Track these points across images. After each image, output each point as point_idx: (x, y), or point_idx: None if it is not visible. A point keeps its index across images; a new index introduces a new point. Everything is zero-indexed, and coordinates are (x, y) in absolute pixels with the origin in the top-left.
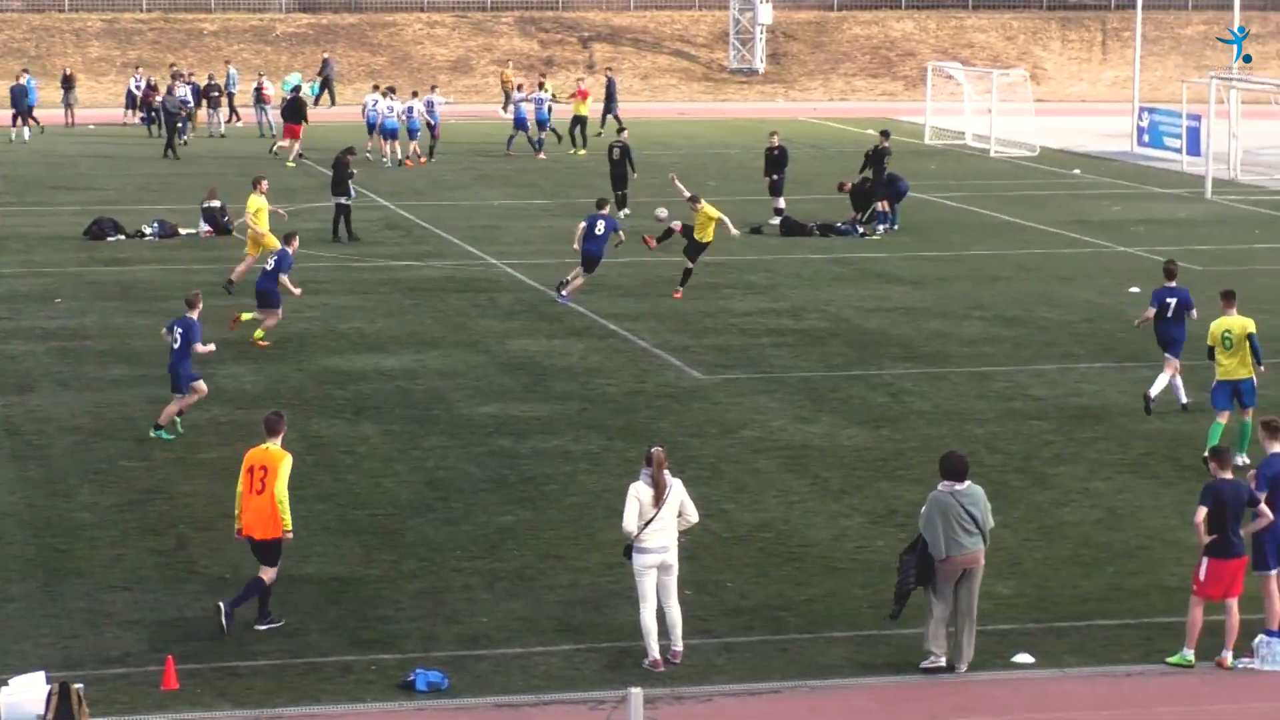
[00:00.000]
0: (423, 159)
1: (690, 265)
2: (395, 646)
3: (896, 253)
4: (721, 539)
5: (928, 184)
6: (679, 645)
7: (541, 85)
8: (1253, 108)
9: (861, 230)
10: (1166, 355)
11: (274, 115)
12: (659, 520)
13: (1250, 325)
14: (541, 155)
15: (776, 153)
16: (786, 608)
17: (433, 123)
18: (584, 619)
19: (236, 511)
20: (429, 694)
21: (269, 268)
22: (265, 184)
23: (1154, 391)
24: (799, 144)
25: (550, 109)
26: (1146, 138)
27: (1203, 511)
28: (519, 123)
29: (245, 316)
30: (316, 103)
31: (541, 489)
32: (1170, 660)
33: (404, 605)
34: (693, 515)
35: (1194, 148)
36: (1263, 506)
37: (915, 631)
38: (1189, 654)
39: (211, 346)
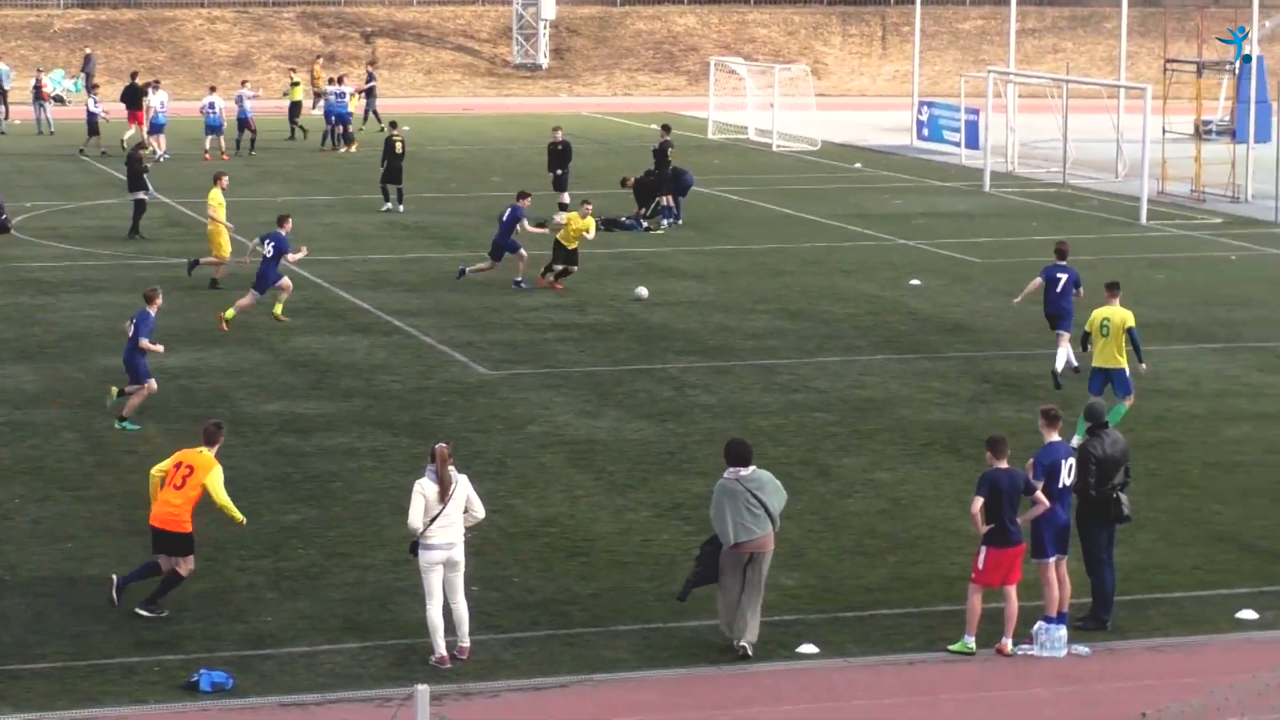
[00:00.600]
0: (224, 154)
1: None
2: (179, 647)
3: (681, 247)
4: (508, 534)
5: (711, 178)
6: (466, 641)
7: (340, 80)
8: (1029, 101)
9: (646, 225)
10: (1058, 331)
11: (53, 112)
12: (445, 516)
13: (1130, 319)
14: (347, 149)
15: (560, 148)
16: (573, 602)
17: (245, 118)
18: (370, 617)
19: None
20: (213, 694)
21: (269, 254)
22: (225, 180)
23: (1059, 366)
24: (583, 139)
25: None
26: (926, 131)
27: (979, 501)
28: (329, 117)
29: (230, 314)
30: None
31: (326, 486)
32: (952, 648)
33: (188, 605)
34: (479, 511)
35: (972, 141)
36: (1039, 494)
37: (701, 624)
38: (970, 641)
39: (159, 347)
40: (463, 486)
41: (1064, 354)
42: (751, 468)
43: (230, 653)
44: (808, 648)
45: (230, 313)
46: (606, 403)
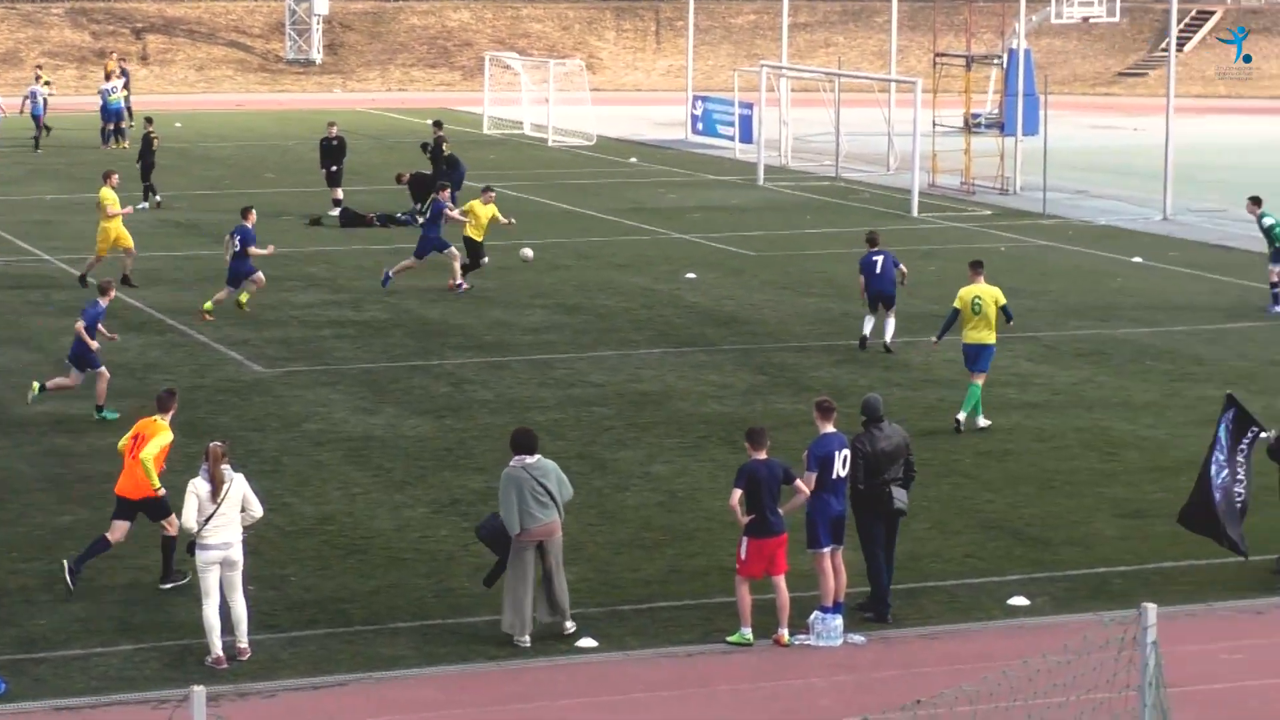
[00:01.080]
0: None
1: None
2: None
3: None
4: (285, 533)
5: (487, 174)
6: (244, 641)
7: (38, 77)
8: (802, 95)
9: (421, 220)
10: (879, 310)
11: None
12: (220, 516)
13: (1000, 295)
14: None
15: (335, 143)
16: (351, 600)
17: (38, 115)
18: (145, 618)
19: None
20: None
21: (236, 248)
22: (116, 177)
23: (888, 337)
24: (357, 135)
25: (46, 102)
26: (701, 126)
27: (737, 493)
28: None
29: (209, 306)
30: None
31: (100, 488)
32: (730, 639)
33: None
34: (256, 510)
35: (746, 135)
36: (799, 483)
37: (480, 620)
38: (747, 632)
39: (114, 336)
40: (238, 485)
41: (891, 325)
42: (537, 456)
43: (2, 657)
44: (587, 641)
45: (209, 305)
46: (383, 399)
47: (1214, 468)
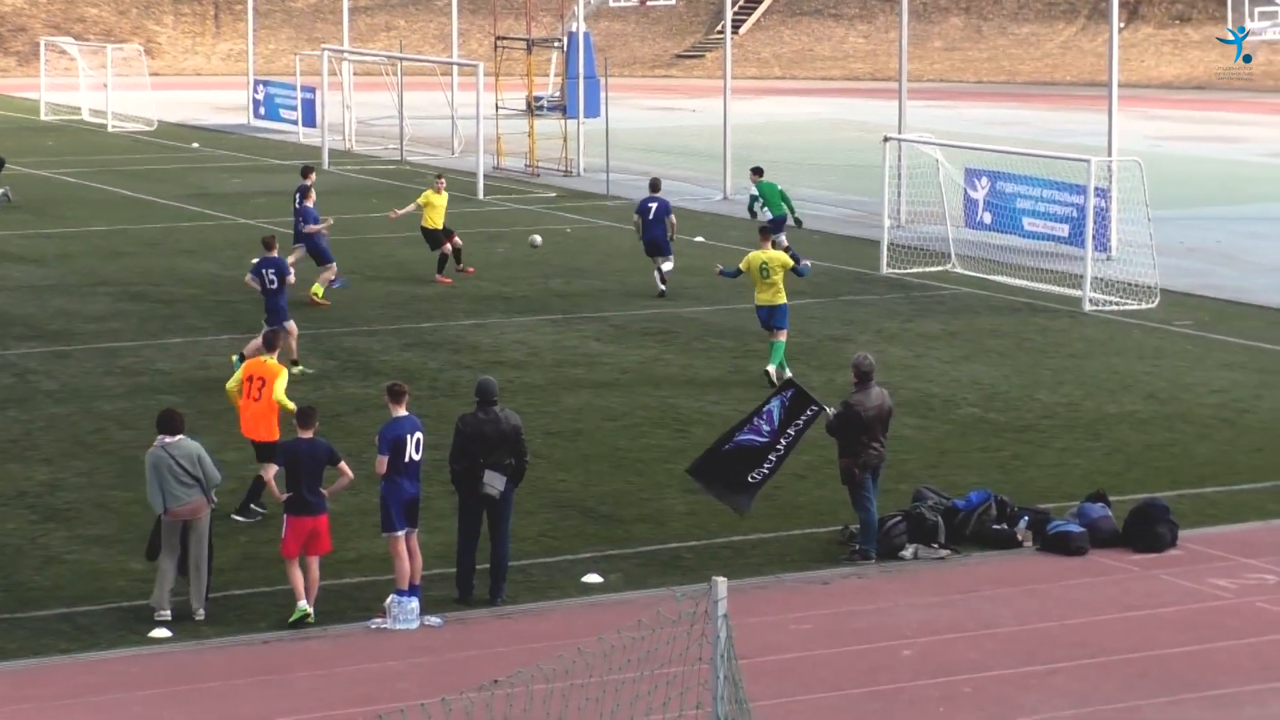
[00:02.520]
0: None
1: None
2: None
3: (14, 230)
4: None
5: (44, 160)
6: None
7: None
8: (365, 79)
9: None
10: (655, 258)
11: None
12: None
13: (786, 259)
14: None
15: None
16: None
17: None
18: None
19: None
20: None
21: (326, 231)
22: None
23: (663, 287)
24: None
25: None
26: (263, 110)
27: (272, 469)
28: None
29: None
30: None
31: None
32: (290, 620)
33: None
34: None
35: (309, 119)
36: (343, 465)
37: (50, 614)
38: (302, 604)
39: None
40: None
41: (668, 267)
42: (179, 437)
43: None
44: (161, 632)
45: (318, 288)
46: None
47: (747, 432)
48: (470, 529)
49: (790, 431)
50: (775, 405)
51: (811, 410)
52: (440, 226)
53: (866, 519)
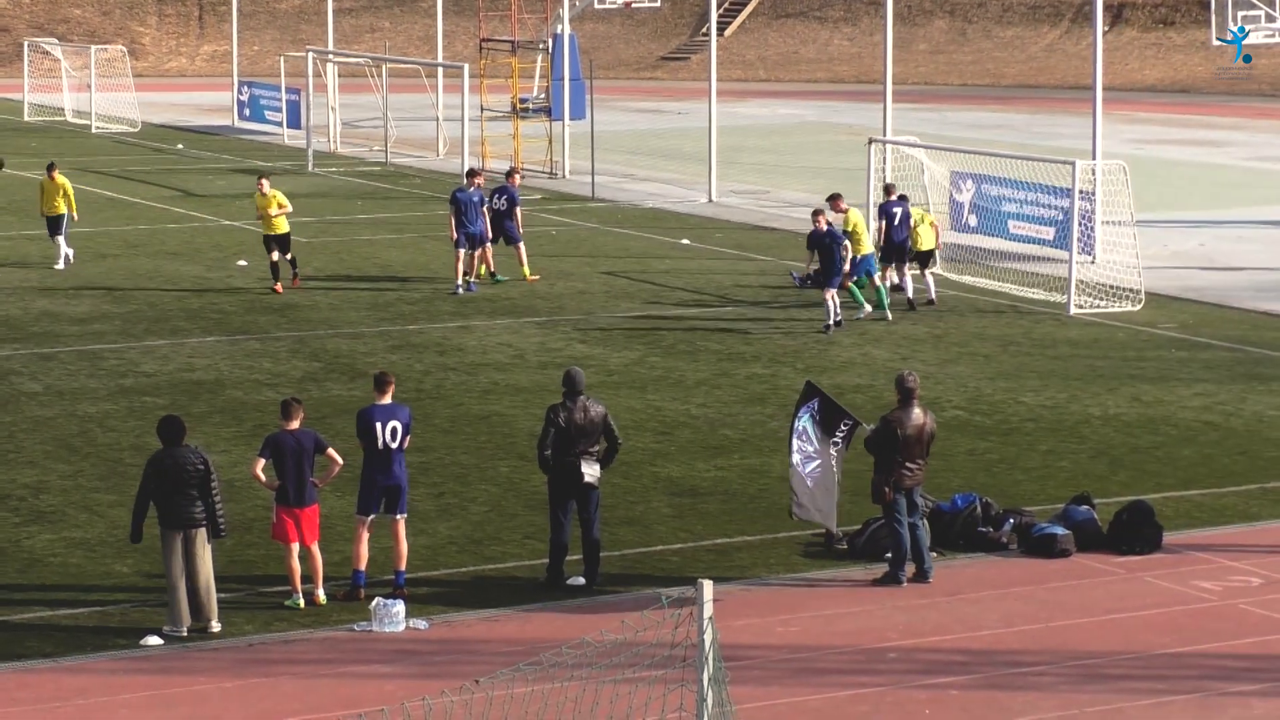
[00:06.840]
0: None
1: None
2: None
3: None
4: None
5: (28, 161)
6: None
7: None
8: (350, 81)
9: None
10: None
11: None
12: None
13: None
14: None
15: None
16: None
17: None
18: None
19: None
20: None
21: (502, 208)
22: None
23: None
24: None
25: None
26: (248, 112)
27: (260, 462)
28: None
29: (527, 274)
30: None
31: None
32: (287, 604)
33: None
34: None
35: (294, 121)
36: (331, 452)
37: (33, 616)
38: (298, 599)
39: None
40: None
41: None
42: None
43: None
44: (152, 639)
45: (527, 272)
46: None
47: (797, 457)
48: (561, 515)
49: (833, 451)
50: (807, 421)
51: (847, 424)
52: (281, 231)
53: (893, 544)
